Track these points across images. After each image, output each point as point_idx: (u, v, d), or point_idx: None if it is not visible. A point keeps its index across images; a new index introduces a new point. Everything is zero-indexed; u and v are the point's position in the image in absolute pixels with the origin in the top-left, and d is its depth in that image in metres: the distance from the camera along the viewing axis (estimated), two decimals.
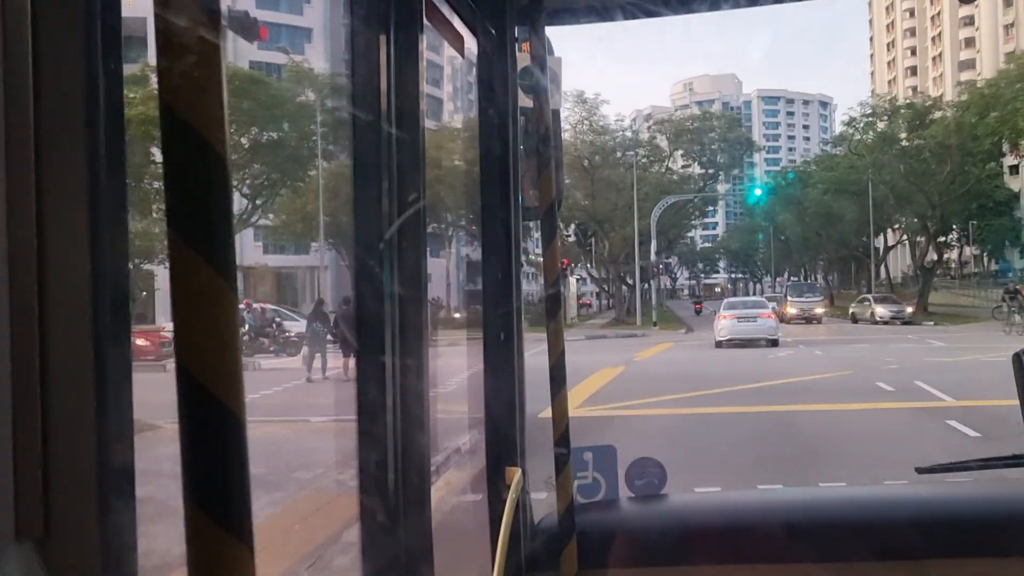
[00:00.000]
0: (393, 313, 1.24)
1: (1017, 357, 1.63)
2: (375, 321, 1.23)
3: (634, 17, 1.78)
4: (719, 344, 23.32)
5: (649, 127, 51.08)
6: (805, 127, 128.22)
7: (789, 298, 40.50)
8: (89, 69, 0.65)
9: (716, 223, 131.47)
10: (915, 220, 44.35)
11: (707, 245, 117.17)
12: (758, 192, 49.35)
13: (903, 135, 41.85)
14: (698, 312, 50.66)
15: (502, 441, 1.76)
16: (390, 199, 1.23)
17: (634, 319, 38.31)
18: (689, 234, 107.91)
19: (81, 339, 0.66)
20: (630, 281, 41.60)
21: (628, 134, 46.04)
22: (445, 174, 22.08)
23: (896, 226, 49.81)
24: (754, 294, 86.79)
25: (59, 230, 0.66)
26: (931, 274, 42.79)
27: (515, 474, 1.72)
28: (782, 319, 35.01)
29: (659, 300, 49.32)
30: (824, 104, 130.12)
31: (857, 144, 45.47)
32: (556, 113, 1.68)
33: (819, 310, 39.30)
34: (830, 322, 38.16)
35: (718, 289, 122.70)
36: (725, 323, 23.82)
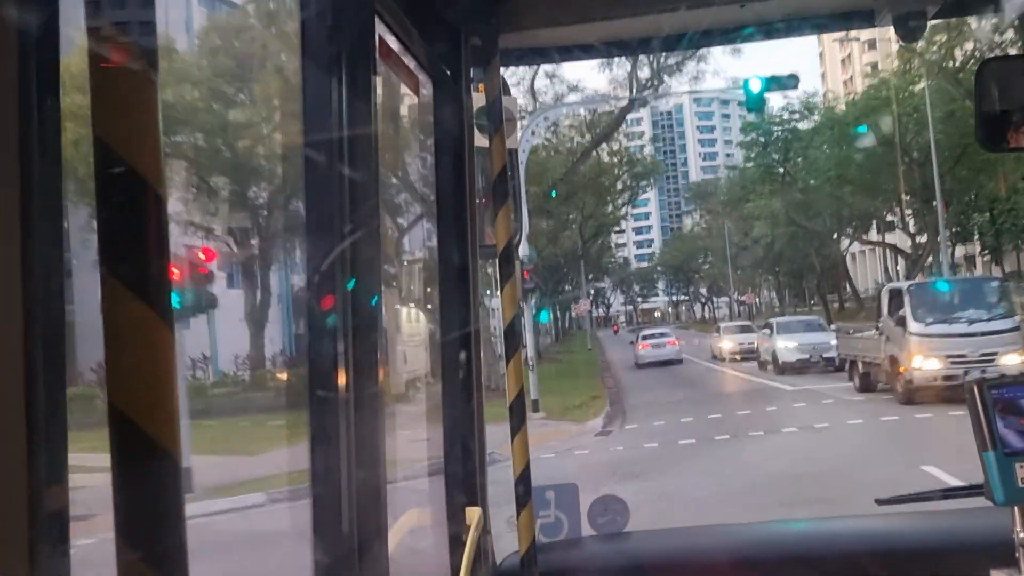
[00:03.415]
0: (347, 355, 1.41)
1: (971, 386, 1.91)
2: (328, 360, 1.40)
3: (585, 59, 2.08)
4: (639, 365, 32.19)
5: None
6: (743, 131, 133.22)
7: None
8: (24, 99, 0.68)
9: (652, 240, 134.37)
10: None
11: (643, 265, 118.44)
12: (756, 86, 17.99)
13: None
14: (616, 332, 49.31)
15: (462, 481, 1.99)
16: (344, 239, 1.41)
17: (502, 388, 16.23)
18: (621, 253, 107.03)
19: (13, 368, 0.67)
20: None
21: None
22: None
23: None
24: (703, 319, 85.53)
25: None
26: None
27: (476, 514, 1.95)
28: None
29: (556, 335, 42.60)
30: None
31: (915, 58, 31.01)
32: (513, 152, 1.96)
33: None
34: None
35: (658, 314, 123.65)
36: (643, 351, 33.63)
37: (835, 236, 44.93)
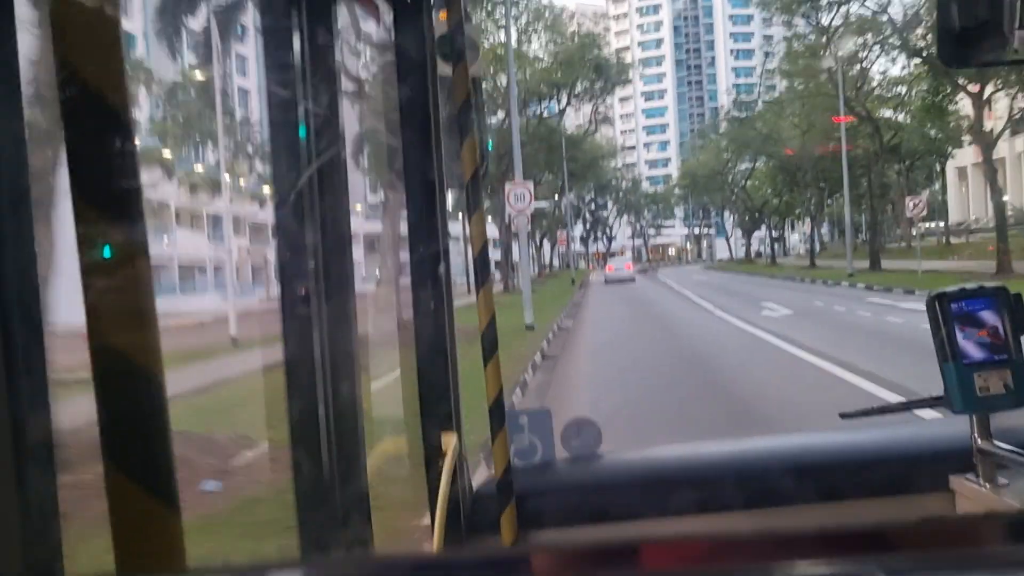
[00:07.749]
0: (319, 286, 1.67)
1: (932, 301, 2.30)
2: (300, 294, 1.65)
3: None
4: (607, 281, 50.11)
5: None
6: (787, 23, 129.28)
7: None
8: None
9: (668, 158, 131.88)
10: None
11: (657, 188, 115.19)
12: None
13: None
14: (609, 272, 55.02)
15: (436, 407, 2.38)
16: (309, 175, 1.66)
17: None
18: (630, 173, 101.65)
19: None
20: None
21: None
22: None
23: None
24: (748, 257, 79.41)
25: None
26: None
27: (451, 440, 2.35)
28: None
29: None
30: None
31: None
32: (477, 80, 2.34)
33: None
34: None
35: (672, 251, 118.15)
36: (609, 272, 53.29)
37: None
